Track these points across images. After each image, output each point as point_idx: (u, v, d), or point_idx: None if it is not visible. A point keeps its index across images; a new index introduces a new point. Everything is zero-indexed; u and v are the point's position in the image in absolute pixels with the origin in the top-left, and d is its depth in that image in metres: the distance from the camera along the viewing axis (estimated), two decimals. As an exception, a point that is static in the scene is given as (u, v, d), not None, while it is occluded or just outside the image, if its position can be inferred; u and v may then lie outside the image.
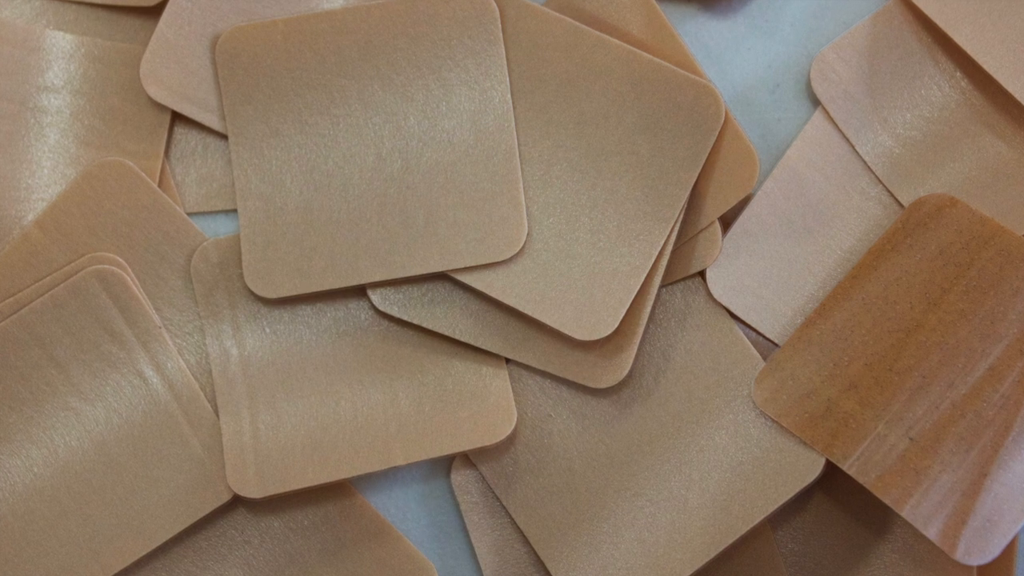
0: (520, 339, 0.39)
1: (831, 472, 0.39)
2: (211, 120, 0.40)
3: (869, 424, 0.38)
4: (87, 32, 0.41)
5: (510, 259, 0.38)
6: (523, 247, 0.38)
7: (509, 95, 0.39)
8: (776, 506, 0.38)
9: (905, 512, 0.37)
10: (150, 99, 0.40)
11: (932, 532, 0.37)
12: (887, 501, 0.37)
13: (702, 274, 0.40)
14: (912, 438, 0.37)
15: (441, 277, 0.39)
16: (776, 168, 0.40)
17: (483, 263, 0.38)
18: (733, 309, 0.40)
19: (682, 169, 0.38)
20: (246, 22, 0.40)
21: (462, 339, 0.39)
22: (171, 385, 0.39)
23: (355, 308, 0.39)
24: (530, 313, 0.38)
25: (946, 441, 0.37)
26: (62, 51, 0.40)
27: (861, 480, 0.38)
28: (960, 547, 0.37)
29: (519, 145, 0.39)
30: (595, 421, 0.39)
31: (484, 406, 0.39)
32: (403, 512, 0.40)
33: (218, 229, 0.41)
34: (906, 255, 0.38)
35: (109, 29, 0.41)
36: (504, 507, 0.40)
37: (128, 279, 0.39)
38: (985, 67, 0.39)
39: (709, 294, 0.39)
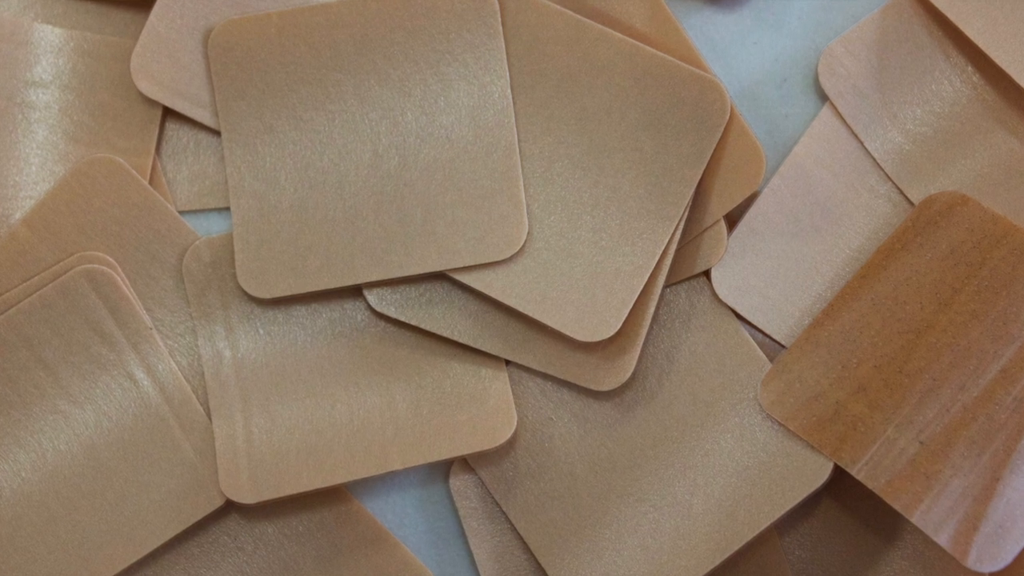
0: (520, 340, 0.39)
1: (839, 477, 0.39)
2: (203, 116, 0.40)
3: (878, 427, 0.38)
4: (76, 26, 0.41)
5: (510, 258, 0.38)
6: (523, 246, 0.38)
7: (509, 90, 0.39)
8: (783, 511, 0.38)
9: (915, 518, 0.37)
10: (141, 94, 0.40)
11: (943, 538, 0.37)
12: (897, 507, 0.37)
13: (707, 274, 0.40)
14: (922, 442, 0.37)
15: (439, 277, 0.39)
16: (783, 165, 0.40)
17: (482, 262, 0.38)
18: (739, 309, 0.39)
19: (686, 166, 0.38)
20: (239, 15, 0.40)
21: (461, 340, 0.39)
22: (162, 388, 0.39)
23: (351, 309, 0.39)
24: (530, 314, 0.38)
25: (957, 445, 0.37)
26: (51, 45, 0.40)
27: (870, 485, 0.38)
28: (972, 554, 0.37)
29: (519, 141, 0.39)
30: (597, 424, 0.39)
31: (483, 409, 0.38)
32: (400, 518, 0.40)
33: (211, 228, 0.40)
34: (916, 254, 0.38)
35: (99, 23, 0.41)
36: (504, 513, 0.39)
37: (118, 279, 0.39)
38: (997, 61, 0.39)
39: (714, 294, 0.40)
